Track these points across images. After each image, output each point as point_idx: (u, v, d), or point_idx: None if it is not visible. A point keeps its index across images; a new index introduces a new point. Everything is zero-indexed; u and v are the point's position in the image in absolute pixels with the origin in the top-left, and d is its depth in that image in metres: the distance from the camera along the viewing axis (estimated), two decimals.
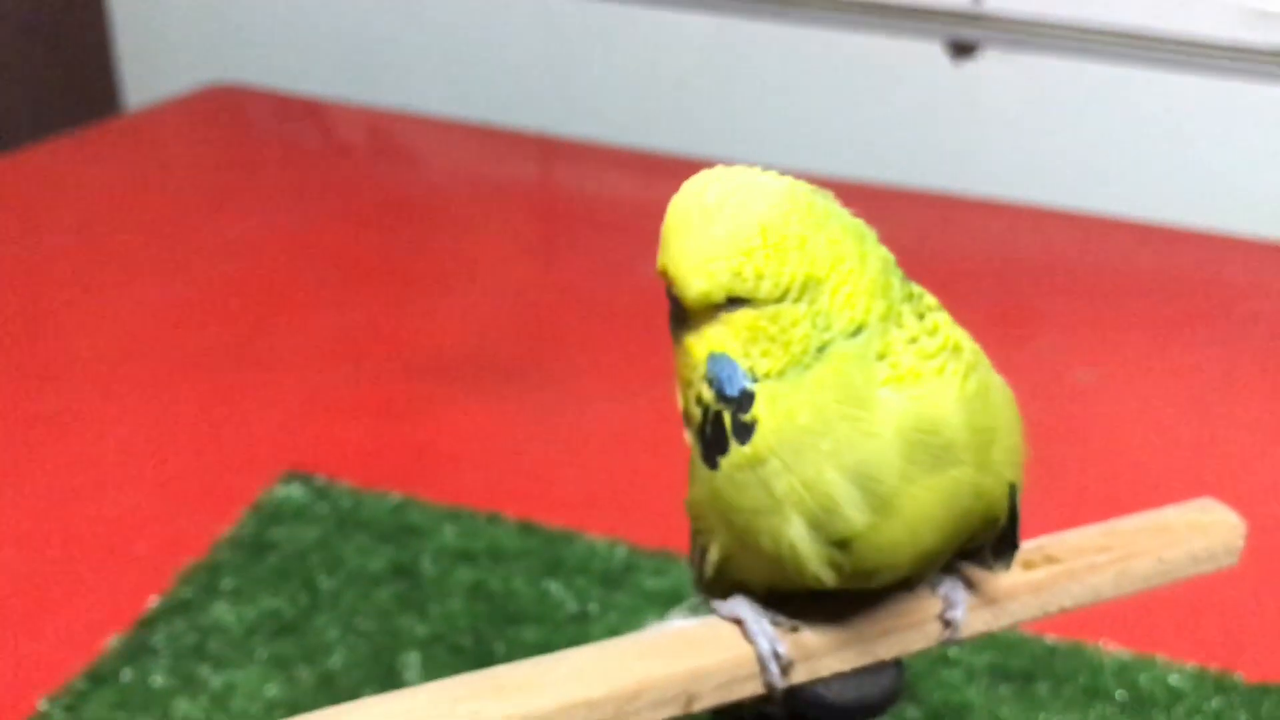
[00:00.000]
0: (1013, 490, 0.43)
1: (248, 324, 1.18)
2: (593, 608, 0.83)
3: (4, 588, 0.84)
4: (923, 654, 0.81)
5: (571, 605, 0.83)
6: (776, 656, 0.42)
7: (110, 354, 1.12)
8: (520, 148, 1.68)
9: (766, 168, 0.42)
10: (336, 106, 1.78)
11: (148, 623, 0.80)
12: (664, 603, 0.83)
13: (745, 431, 0.40)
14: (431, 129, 1.73)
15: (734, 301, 0.40)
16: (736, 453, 0.40)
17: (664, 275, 0.41)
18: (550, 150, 1.69)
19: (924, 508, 0.39)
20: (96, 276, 1.28)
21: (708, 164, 0.43)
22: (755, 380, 0.40)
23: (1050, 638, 0.81)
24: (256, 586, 0.83)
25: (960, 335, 0.42)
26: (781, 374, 0.40)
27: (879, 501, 0.39)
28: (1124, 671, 0.79)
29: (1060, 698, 0.77)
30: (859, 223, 0.41)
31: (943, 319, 0.41)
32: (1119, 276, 1.40)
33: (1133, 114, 1.57)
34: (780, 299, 0.40)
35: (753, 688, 0.42)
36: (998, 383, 0.42)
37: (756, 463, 0.40)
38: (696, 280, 0.40)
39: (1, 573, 0.85)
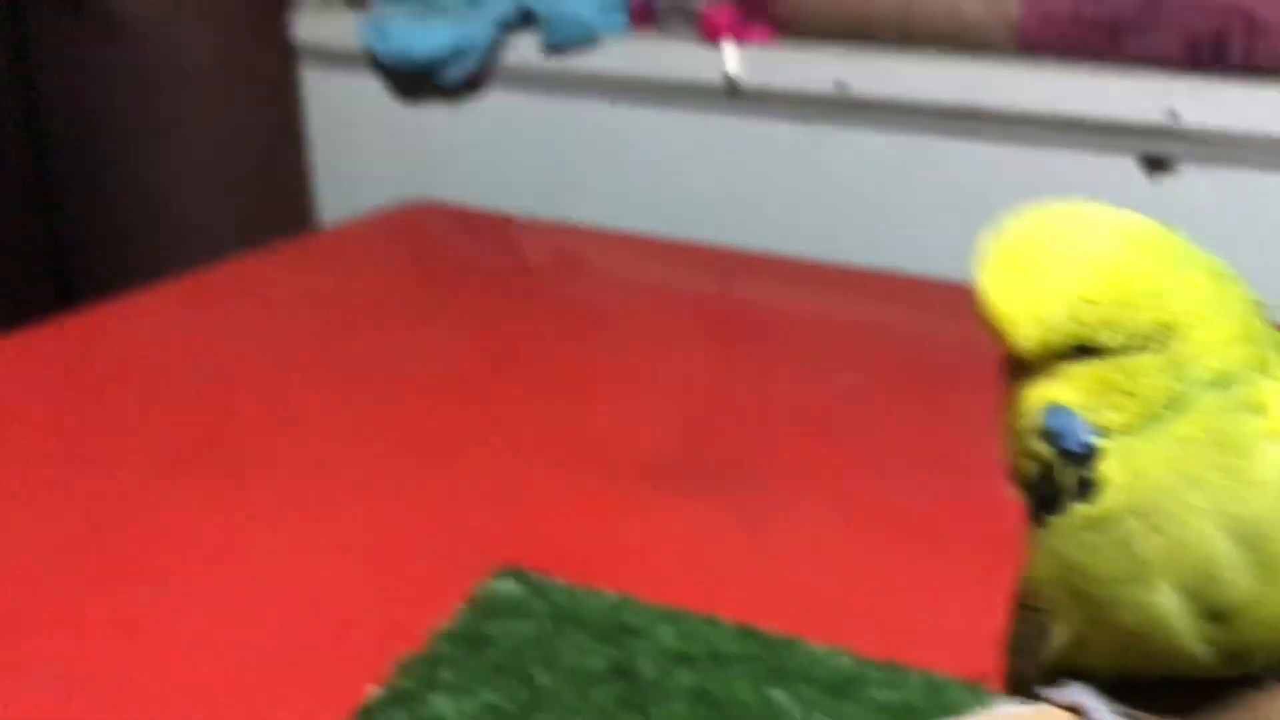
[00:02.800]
0: None
1: (452, 423, 1.19)
2: (819, 718, 0.79)
3: (221, 677, 0.84)
4: None
5: (798, 714, 0.79)
6: None
7: (323, 451, 1.14)
8: (703, 261, 1.69)
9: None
10: (525, 223, 1.82)
11: (367, 713, 0.79)
12: (895, 717, 0.79)
13: (1090, 489, 0.37)
14: (616, 244, 1.76)
15: (1076, 350, 0.37)
16: (1077, 513, 0.37)
17: (989, 322, 0.38)
18: (733, 264, 1.69)
19: None
20: (301, 379, 1.31)
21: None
22: (1101, 435, 0.37)
23: None
24: (475, 680, 0.82)
25: None
26: (1133, 428, 0.37)
27: (1267, 565, 0.35)
28: None
29: None
30: (1217, 262, 0.38)
31: None
32: None
33: None
34: (1129, 348, 0.36)
35: None
36: None
37: (1104, 523, 0.36)
38: (1031, 329, 0.37)
39: (218, 663, 0.86)
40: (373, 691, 0.81)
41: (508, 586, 0.90)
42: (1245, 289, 0.38)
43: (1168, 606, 0.36)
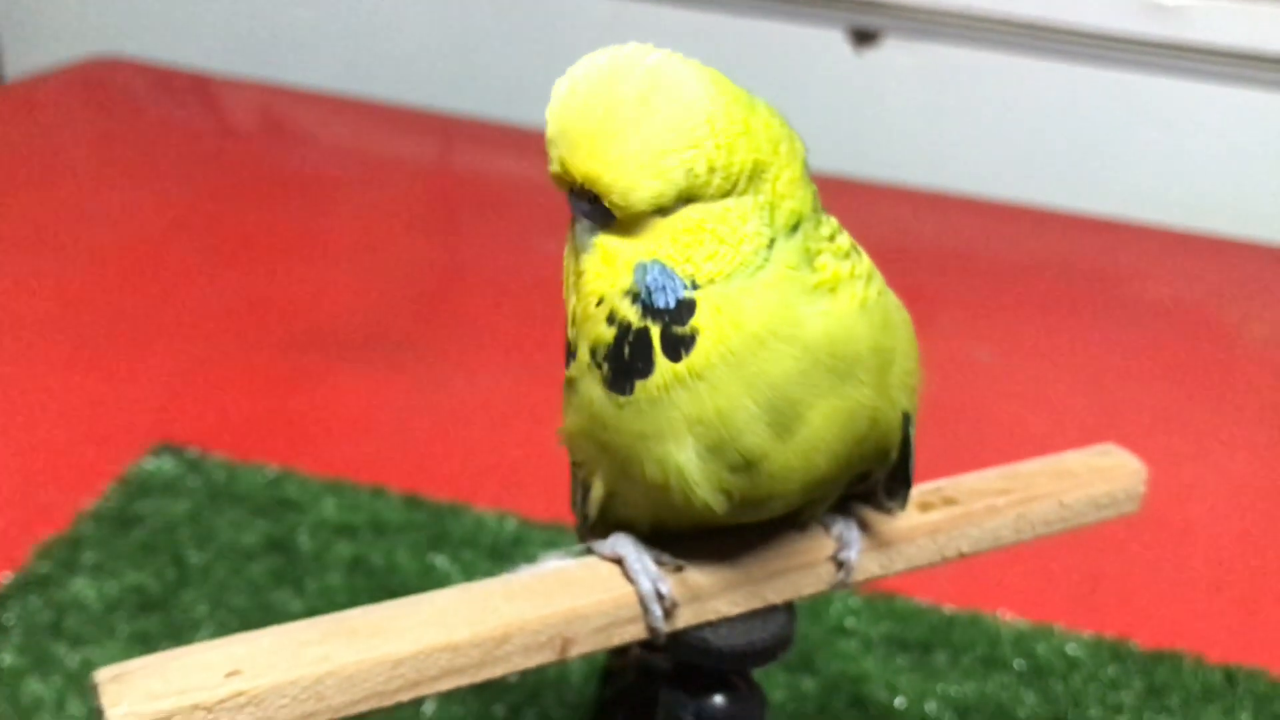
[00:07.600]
0: (907, 420, 0.40)
1: (123, 296, 1.12)
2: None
3: None
4: (818, 621, 0.78)
5: (457, 578, 0.79)
6: (660, 597, 0.39)
7: None
8: (416, 125, 1.64)
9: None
10: (225, 81, 1.71)
11: None
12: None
13: (681, 345, 0.35)
14: (325, 105, 1.68)
15: (680, 202, 0.36)
16: (665, 371, 0.35)
17: (580, 181, 0.36)
18: (447, 128, 1.65)
19: (819, 431, 0.36)
20: None
21: None
22: (695, 287, 0.36)
23: (948, 608, 0.80)
24: (120, 561, 0.78)
25: (852, 240, 0.39)
26: (729, 277, 0.35)
27: (785, 424, 0.36)
28: (1022, 641, 0.78)
29: (958, 667, 0.76)
30: (767, 101, 0.38)
31: (835, 220, 0.39)
32: (1016, 261, 1.40)
33: (1032, 103, 1.58)
34: (729, 192, 0.35)
35: (634, 631, 0.39)
36: (895, 302, 0.40)
37: (694, 378, 0.35)
38: (646, 182, 0.35)
39: None
40: (6, 577, 0.76)
41: (162, 463, 0.86)
42: (788, 125, 0.38)
43: (687, 460, 0.36)
